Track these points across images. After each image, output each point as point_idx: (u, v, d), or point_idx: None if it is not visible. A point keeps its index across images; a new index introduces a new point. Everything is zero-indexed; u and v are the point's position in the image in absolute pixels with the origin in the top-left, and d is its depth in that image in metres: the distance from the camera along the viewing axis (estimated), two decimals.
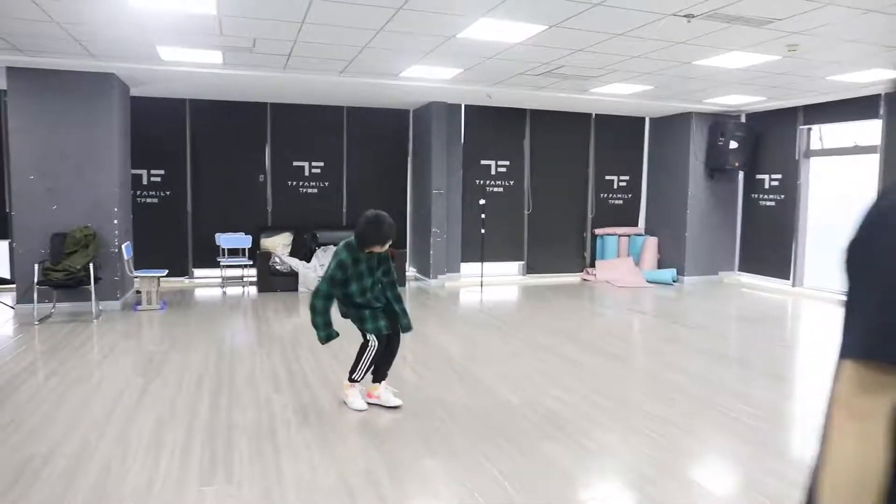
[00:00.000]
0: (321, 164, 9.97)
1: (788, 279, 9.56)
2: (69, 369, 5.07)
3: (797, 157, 9.46)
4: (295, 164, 9.84)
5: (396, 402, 4.23)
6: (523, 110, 10.23)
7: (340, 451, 3.51)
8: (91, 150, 7.33)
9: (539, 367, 5.32)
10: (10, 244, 7.92)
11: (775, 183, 9.85)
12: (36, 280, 6.83)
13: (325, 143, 9.95)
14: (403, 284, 9.45)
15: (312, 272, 8.84)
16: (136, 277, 7.75)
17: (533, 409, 4.24)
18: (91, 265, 6.98)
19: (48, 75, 7.09)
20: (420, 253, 10.05)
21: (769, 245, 9.93)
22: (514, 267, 10.58)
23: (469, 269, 10.05)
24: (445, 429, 3.87)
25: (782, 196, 9.73)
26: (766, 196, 10.02)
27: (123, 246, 7.55)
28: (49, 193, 7.18)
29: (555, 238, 10.67)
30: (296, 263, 8.90)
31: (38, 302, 6.82)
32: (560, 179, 10.64)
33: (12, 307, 7.32)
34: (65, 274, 6.91)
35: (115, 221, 7.49)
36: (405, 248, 10.13)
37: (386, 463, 3.35)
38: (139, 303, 7.58)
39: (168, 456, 3.41)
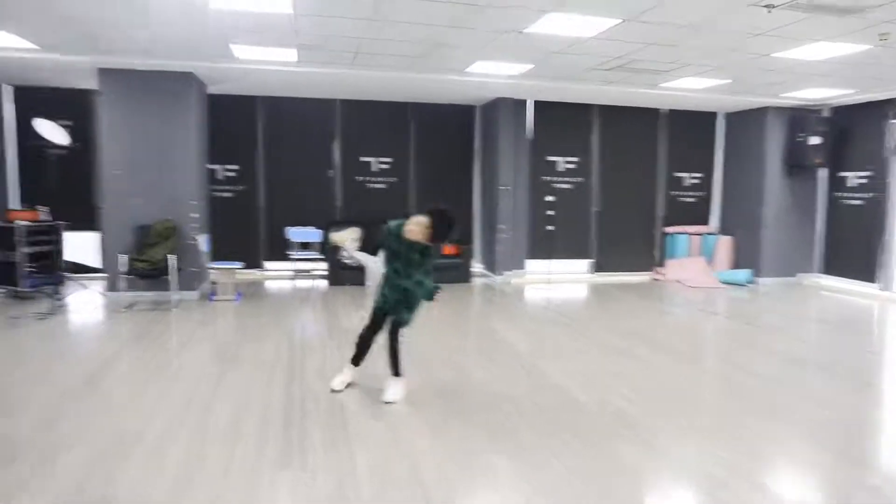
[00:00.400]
0: (389, 159, 10.10)
1: (876, 283, 9.05)
2: (151, 356, 5.34)
3: (887, 154, 8.93)
4: (362, 159, 10.01)
5: (337, 386, 4.41)
6: (591, 106, 10.06)
7: (411, 445, 3.56)
8: (171, 146, 7.68)
9: (608, 365, 5.24)
10: (100, 236, 8.40)
11: (862, 181, 9.32)
12: (122, 270, 7.22)
13: (393, 139, 10.08)
14: (469, 280, 9.49)
15: (380, 267, 8.97)
16: (213, 269, 8.07)
17: (602, 407, 4.19)
18: (171, 257, 7.32)
19: (134, 75, 7.46)
20: (486, 249, 10.06)
21: (854, 246, 9.42)
22: (582, 265, 10.43)
23: (535, 266, 9.98)
24: (512, 424, 3.86)
25: (870, 194, 9.20)
26: (851, 195, 9.50)
27: (201, 238, 7.88)
28: (134, 188, 7.57)
29: (624, 236, 10.45)
30: (363, 258, 9.03)
31: (125, 290, 7.23)
32: (629, 176, 10.42)
33: (103, 295, 7.76)
34: (148, 264, 7.27)
35: (194, 215, 7.82)
36: (472, 243, 10.17)
37: (454, 457, 3.38)
38: (215, 293, 7.89)
39: (244, 443, 3.54)
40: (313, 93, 9.37)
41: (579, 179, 10.21)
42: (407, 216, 4.23)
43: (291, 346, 5.72)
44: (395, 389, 4.29)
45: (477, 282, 9.63)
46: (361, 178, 10.02)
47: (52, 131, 7.55)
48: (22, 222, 7.39)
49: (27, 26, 5.89)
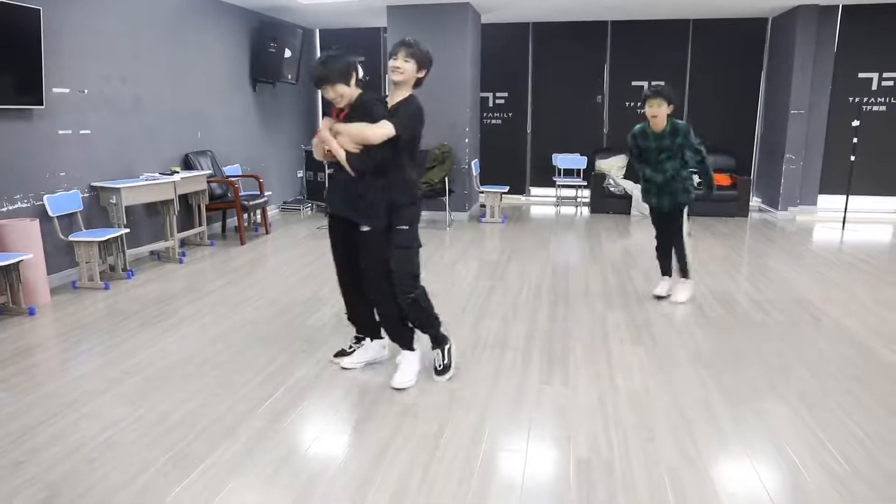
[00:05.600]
0: (661, 83, 9.44)
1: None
2: (431, 267, 5.89)
3: None
4: (634, 83, 9.55)
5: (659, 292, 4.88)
6: None
7: (675, 376, 3.46)
8: (449, 76, 8.12)
9: None
10: None
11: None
12: None
13: (667, 61, 9.41)
14: (745, 215, 8.67)
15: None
16: (482, 192, 8.52)
17: None
18: (446, 179, 7.88)
19: (416, 10, 7.96)
20: (768, 181, 9.04)
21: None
22: (892, 203, 8.86)
23: (828, 202, 8.73)
24: (795, 373, 3.51)
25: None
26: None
27: (472, 163, 8.33)
28: None
29: None
30: (630, 186, 8.79)
31: None
32: None
33: None
34: (427, 186, 7.93)
35: (466, 140, 8.27)
36: (750, 175, 9.24)
37: (724, 396, 3.20)
38: (483, 215, 8.35)
39: (512, 352, 3.77)
40: (585, 15, 9.09)
41: None
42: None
43: (555, 268, 5.86)
44: (684, 291, 4.76)
45: (754, 217, 8.76)
46: (632, 104, 9.59)
47: None
48: None
49: None
